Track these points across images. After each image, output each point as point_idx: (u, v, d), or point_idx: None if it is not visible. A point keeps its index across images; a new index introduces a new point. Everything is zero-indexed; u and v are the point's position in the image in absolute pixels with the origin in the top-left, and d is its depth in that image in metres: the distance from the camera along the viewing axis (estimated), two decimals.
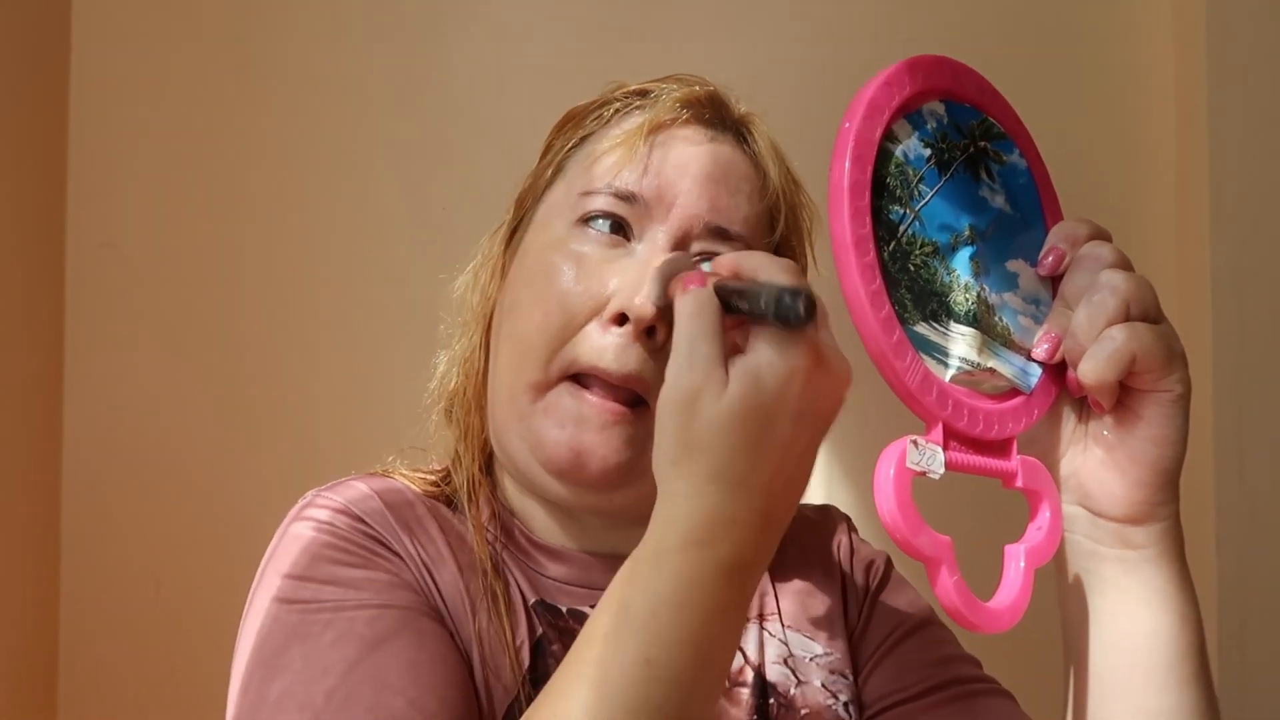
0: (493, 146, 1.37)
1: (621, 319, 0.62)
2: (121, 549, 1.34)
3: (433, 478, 0.72)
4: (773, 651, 0.68)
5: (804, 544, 0.75)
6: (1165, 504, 0.54)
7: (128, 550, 1.34)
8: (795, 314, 0.44)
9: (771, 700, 0.67)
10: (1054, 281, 0.56)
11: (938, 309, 0.52)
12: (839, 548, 0.76)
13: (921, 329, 0.51)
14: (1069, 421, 0.56)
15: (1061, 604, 0.58)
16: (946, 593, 0.49)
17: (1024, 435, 0.55)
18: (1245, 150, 1.29)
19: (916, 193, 0.52)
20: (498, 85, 1.38)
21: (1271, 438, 1.27)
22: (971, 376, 0.52)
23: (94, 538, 1.34)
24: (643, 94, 0.70)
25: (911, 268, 0.51)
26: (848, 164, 0.49)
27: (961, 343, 0.52)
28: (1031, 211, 0.57)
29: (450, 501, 0.70)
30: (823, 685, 0.68)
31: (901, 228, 0.51)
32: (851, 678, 0.69)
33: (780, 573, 0.73)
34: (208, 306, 1.37)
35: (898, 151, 0.51)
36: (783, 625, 0.70)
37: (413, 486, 0.70)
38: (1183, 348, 0.53)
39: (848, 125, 0.50)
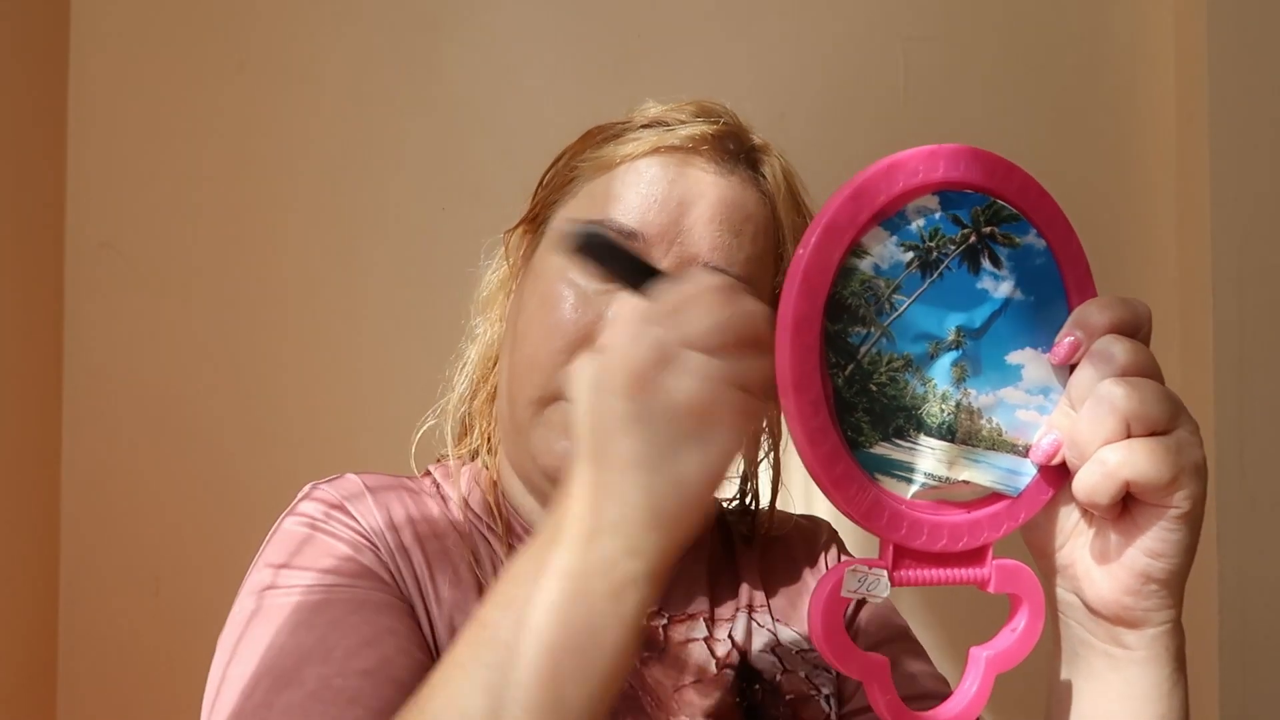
0: (492, 146, 1.37)
1: None
2: (121, 548, 1.34)
3: (428, 474, 0.74)
4: (760, 640, 0.71)
5: (794, 549, 0.78)
6: (1159, 610, 0.51)
7: (128, 550, 1.34)
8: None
9: (756, 685, 0.69)
10: (1073, 367, 0.52)
11: (904, 424, 0.50)
12: (826, 559, 0.78)
13: (880, 449, 0.50)
14: (1071, 513, 0.53)
15: (1050, 673, 0.57)
16: (879, 710, 0.50)
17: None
18: (1245, 151, 1.29)
19: (888, 305, 0.50)
20: (498, 85, 1.38)
21: (1271, 437, 1.27)
22: (938, 490, 0.51)
23: (94, 537, 1.35)
24: (660, 123, 0.70)
25: (873, 388, 0.50)
26: (794, 298, 0.47)
27: (930, 457, 0.51)
28: (1050, 293, 0.53)
29: (447, 499, 0.71)
30: (806, 677, 0.70)
31: (862, 349, 0.49)
32: (834, 673, 0.72)
33: (771, 572, 0.75)
34: (207, 306, 1.37)
35: (864, 266, 0.49)
36: (772, 618, 0.72)
37: (410, 483, 0.71)
38: (1199, 457, 0.49)
39: (800, 252, 0.48)
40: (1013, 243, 0.52)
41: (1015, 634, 0.52)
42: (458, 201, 1.36)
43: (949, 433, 0.51)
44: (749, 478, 0.78)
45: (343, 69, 1.39)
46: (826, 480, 0.48)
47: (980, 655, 0.52)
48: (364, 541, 0.64)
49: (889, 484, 0.50)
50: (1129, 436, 0.48)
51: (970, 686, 0.51)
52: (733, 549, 0.76)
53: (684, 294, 0.47)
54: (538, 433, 0.66)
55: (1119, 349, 0.49)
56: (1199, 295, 1.31)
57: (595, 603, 0.45)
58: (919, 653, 0.75)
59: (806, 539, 0.79)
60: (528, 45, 1.39)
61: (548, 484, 0.67)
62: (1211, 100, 1.30)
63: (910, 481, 0.50)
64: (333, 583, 0.61)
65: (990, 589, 0.51)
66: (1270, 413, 1.27)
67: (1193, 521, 0.49)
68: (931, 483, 0.51)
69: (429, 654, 0.61)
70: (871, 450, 0.50)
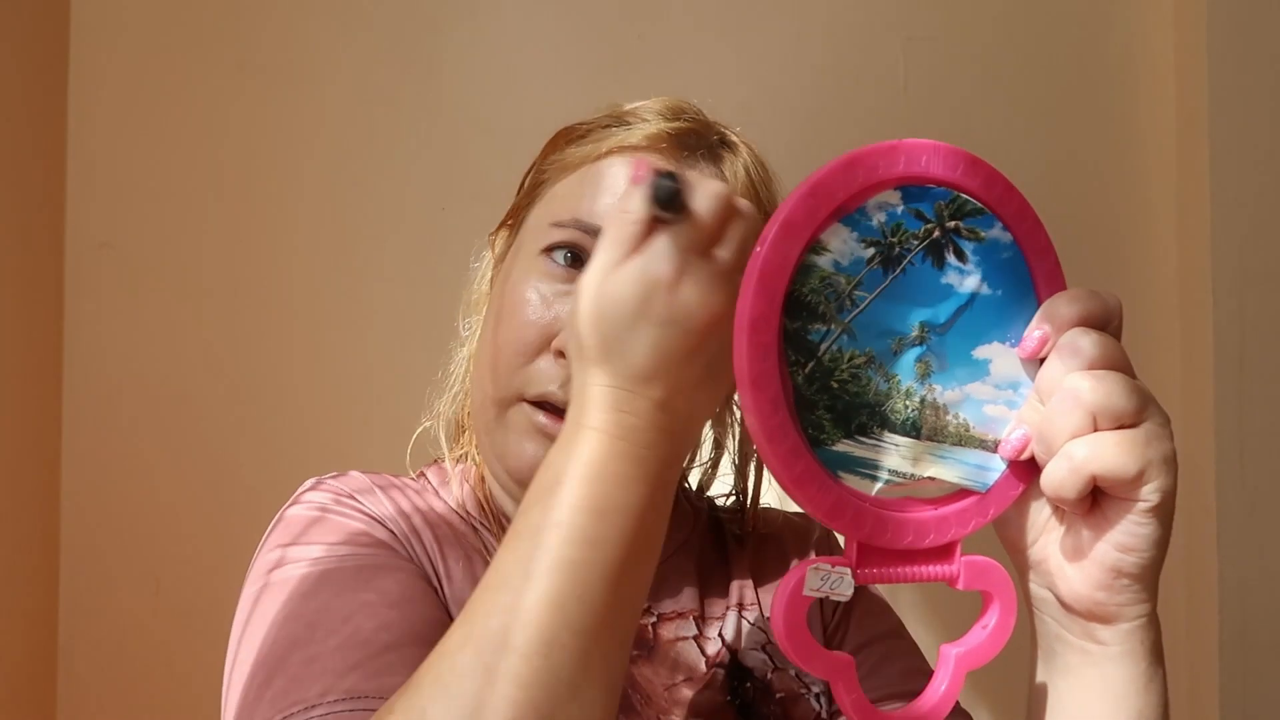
0: (492, 146, 1.37)
1: (564, 353, 0.64)
2: (121, 548, 1.34)
3: (423, 475, 0.75)
4: (751, 639, 0.71)
5: (786, 546, 0.78)
6: (1132, 605, 0.50)
7: (128, 549, 1.34)
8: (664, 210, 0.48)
9: (747, 684, 0.69)
10: (1042, 361, 0.52)
11: (868, 421, 0.50)
12: (817, 555, 0.77)
13: (843, 447, 0.49)
14: (1043, 508, 0.52)
15: (1031, 669, 0.57)
16: (845, 709, 0.49)
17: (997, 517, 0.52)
18: (1245, 151, 1.29)
19: (849, 302, 0.49)
20: (498, 85, 1.38)
21: (1271, 438, 1.27)
22: (904, 487, 0.50)
23: (94, 537, 1.35)
24: (622, 123, 0.70)
25: (835, 385, 0.49)
26: (750, 297, 0.47)
27: (894, 454, 0.50)
28: (1018, 287, 0.52)
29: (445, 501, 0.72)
30: (796, 675, 0.70)
31: (823, 346, 0.49)
32: None
33: (761, 570, 0.75)
34: (207, 306, 1.37)
35: (823, 262, 0.48)
36: (763, 615, 0.72)
37: (410, 483, 0.72)
38: (1169, 450, 0.48)
39: (757, 250, 0.47)
40: (978, 237, 0.51)
41: (986, 631, 0.51)
42: (458, 201, 1.36)
43: (914, 429, 0.51)
44: (741, 475, 0.78)
45: (343, 69, 1.39)
46: (787, 478, 0.48)
47: (950, 653, 0.51)
48: (377, 523, 0.65)
49: (852, 481, 0.49)
50: (1096, 430, 0.47)
51: (940, 684, 0.51)
52: (725, 547, 0.76)
53: (715, 213, 0.49)
54: (500, 435, 0.67)
55: (1086, 342, 0.48)
56: (1199, 295, 1.31)
57: (645, 494, 0.48)
58: (908, 650, 0.75)
59: (799, 537, 0.79)
60: (528, 46, 1.39)
61: (514, 485, 0.68)
62: (1211, 100, 1.30)
63: (874, 479, 0.50)
64: (346, 553, 0.61)
65: (959, 586, 0.51)
66: (1270, 413, 1.27)
67: (1163, 514, 0.48)
68: (896, 480, 0.50)
69: (445, 613, 0.61)
70: (834, 448, 0.49)
